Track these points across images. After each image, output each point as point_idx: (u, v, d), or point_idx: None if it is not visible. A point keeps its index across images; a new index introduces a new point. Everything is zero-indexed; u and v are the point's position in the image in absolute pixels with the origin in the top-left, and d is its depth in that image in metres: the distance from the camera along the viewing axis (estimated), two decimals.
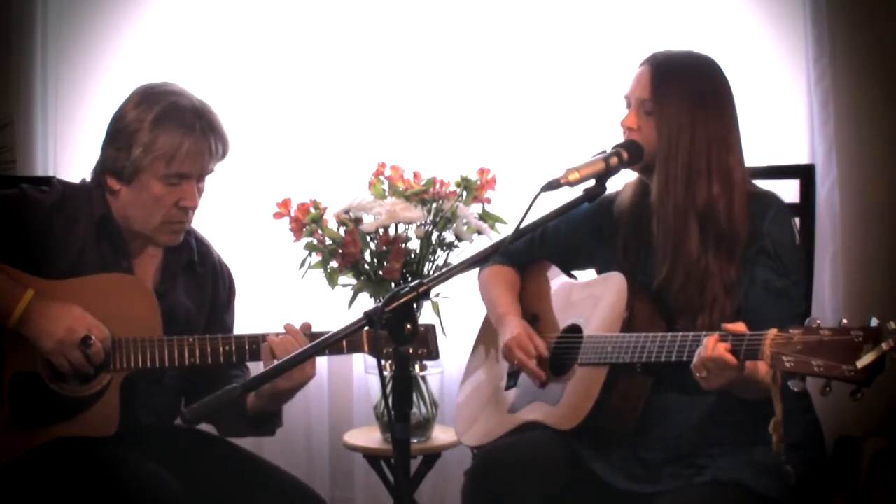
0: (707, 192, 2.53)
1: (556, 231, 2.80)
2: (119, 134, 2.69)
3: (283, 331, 2.68)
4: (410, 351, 2.72)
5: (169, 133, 2.65)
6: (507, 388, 2.85)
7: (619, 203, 2.71)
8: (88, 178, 2.79)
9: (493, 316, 2.92)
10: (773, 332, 2.18)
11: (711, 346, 2.29)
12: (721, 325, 2.36)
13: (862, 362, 2.04)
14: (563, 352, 2.71)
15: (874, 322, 2.06)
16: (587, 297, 2.75)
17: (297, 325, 2.71)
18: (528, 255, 2.91)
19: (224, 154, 2.76)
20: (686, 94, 2.55)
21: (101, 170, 2.74)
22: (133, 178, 2.69)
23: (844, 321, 2.10)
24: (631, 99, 2.60)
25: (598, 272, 2.81)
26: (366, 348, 2.74)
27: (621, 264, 2.68)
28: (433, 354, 2.83)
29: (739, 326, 2.30)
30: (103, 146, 2.74)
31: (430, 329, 2.85)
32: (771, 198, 2.61)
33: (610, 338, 2.56)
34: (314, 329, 2.72)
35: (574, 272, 2.92)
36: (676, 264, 2.55)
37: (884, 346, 2.03)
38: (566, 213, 2.44)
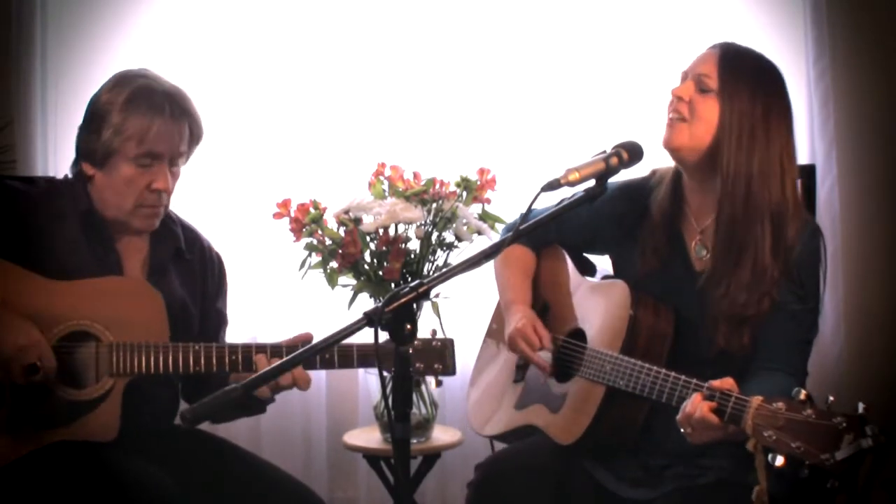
0: (782, 197, 2.47)
1: (576, 214, 2.63)
2: (92, 117, 2.71)
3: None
4: (421, 366, 2.71)
5: (139, 114, 2.66)
6: (516, 380, 2.85)
7: (656, 198, 2.64)
8: (70, 175, 2.79)
9: (502, 300, 2.89)
10: (757, 400, 2.15)
11: (696, 405, 2.26)
12: (725, 351, 2.34)
13: (841, 454, 2.02)
14: (568, 357, 2.70)
15: (861, 409, 2.04)
16: (593, 301, 2.71)
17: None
18: (545, 237, 2.86)
19: (197, 138, 2.76)
20: (761, 93, 2.48)
21: (78, 157, 2.75)
22: (105, 162, 2.69)
23: (831, 399, 2.08)
24: (689, 73, 2.52)
25: (614, 261, 2.79)
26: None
27: (647, 261, 2.62)
28: (450, 370, 2.76)
29: (727, 383, 2.26)
30: (79, 132, 2.75)
31: (449, 344, 2.77)
32: (806, 217, 2.55)
33: (610, 357, 2.54)
34: (318, 337, 2.70)
35: (592, 263, 2.89)
36: (740, 265, 2.47)
37: (863, 443, 2.01)
38: (564, 214, 2.41)
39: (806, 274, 2.48)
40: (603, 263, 2.87)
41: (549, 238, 2.86)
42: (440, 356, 2.75)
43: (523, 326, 2.71)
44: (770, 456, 2.11)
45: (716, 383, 2.26)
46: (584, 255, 2.89)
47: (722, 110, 2.48)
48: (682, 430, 2.30)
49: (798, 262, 2.47)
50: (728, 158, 2.47)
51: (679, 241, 2.62)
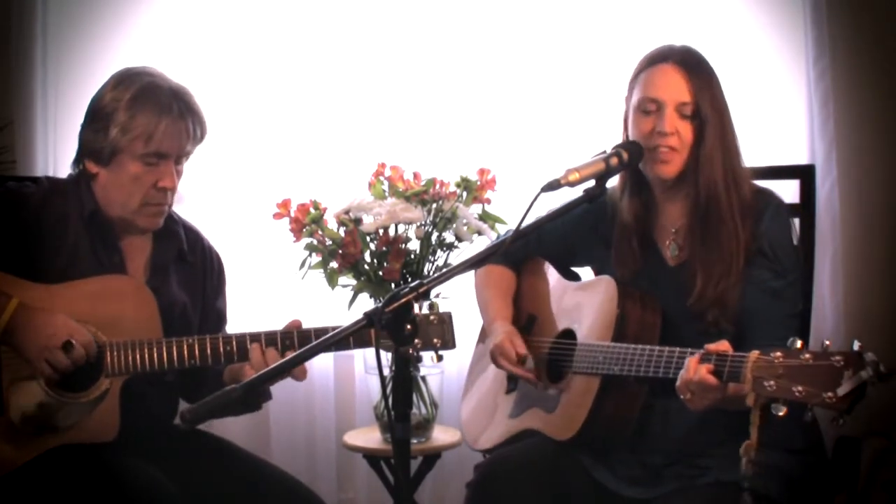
0: (741, 179, 2.54)
1: (552, 229, 2.76)
2: (96, 115, 2.70)
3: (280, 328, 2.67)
4: (420, 342, 2.68)
5: (146, 113, 2.65)
6: (508, 391, 2.85)
7: (621, 206, 2.68)
8: (73, 172, 2.78)
9: (484, 320, 2.94)
10: (754, 354, 2.16)
11: (693, 368, 2.27)
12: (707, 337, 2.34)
13: (842, 390, 2.02)
14: (559, 358, 2.71)
15: (856, 346, 2.05)
16: (580, 300, 2.74)
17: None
18: (525, 253, 2.90)
19: (202, 136, 2.75)
20: (718, 94, 2.55)
21: (81, 155, 2.74)
22: (111, 160, 2.69)
23: (827, 343, 2.09)
24: (667, 103, 2.53)
25: (595, 270, 2.81)
26: (373, 342, 2.64)
27: (624, 264, 2.66)
28: (450, 344, 2.69)
29: (723, 346, 2.28)
30: (81, 130, 2.74)
31: (447, 318, 2.70)
32: (769, 195, 2.60)
33: (601, 347, 2.55)
34: (314, 327, 2.70)
35: (575, 271, 2.91)
36: (716, 257, 2.52)
37: (863, 374, 2.02)
38: (545, 227, 2.43)
39: (778, 248, 2.52)
40: (587, 276, 2.89)
41: (530, 254, 2.89)
42: (439, 331, 2.70)
43: (501, 342, 2.74)
44: (773, 407, 2.11)
45: (711, 347, 2.29)
46: (569, 268, 2.91)
47: (696, 129, 2.53)
48: (681, 397, 2.31)
49: (769, 238, 2.52)
50: (705, 171, 2.52)
51: (651, 243, 2.66)
